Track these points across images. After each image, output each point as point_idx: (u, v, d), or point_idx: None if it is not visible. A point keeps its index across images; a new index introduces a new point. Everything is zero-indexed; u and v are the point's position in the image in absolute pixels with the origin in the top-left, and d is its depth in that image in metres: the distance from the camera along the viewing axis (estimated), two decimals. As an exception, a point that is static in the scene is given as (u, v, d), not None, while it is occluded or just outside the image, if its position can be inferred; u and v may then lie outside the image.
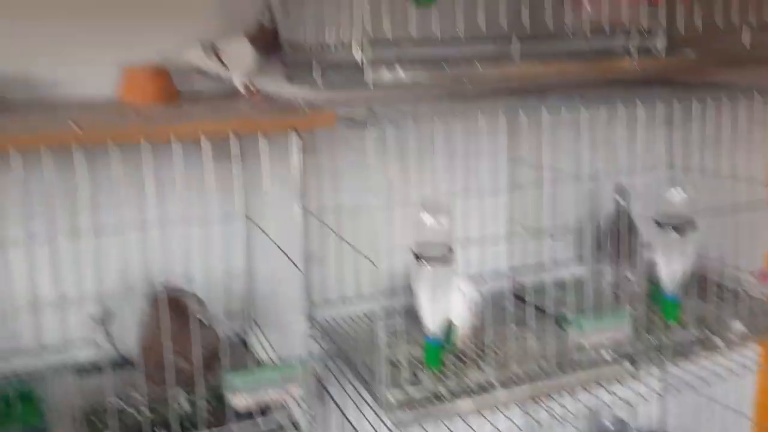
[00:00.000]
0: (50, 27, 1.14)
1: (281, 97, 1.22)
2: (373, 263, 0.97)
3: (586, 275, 1.33)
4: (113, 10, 1.17)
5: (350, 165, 1.32)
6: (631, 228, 1.40)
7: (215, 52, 1.16)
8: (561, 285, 1.34)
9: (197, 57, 1.17)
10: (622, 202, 1.43)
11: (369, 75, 0.97)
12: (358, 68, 1.06)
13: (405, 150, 1.17)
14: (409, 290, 1.14)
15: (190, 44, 1.18)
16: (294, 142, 0.95)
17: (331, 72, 1.19)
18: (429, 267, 1.02)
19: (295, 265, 1.00)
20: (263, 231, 1.15)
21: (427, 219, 1.00)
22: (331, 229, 1.21)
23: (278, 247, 1.07)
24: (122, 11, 1.18)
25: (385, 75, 0.99)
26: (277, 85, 1.25)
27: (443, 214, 0.99)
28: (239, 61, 1.15)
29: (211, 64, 1.17)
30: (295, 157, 0.96)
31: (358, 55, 0.97)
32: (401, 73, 0.98)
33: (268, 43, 1.15)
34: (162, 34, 1.19)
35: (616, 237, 1.37)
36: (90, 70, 1.17)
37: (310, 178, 1.10)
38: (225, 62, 1.16)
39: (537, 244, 1.30)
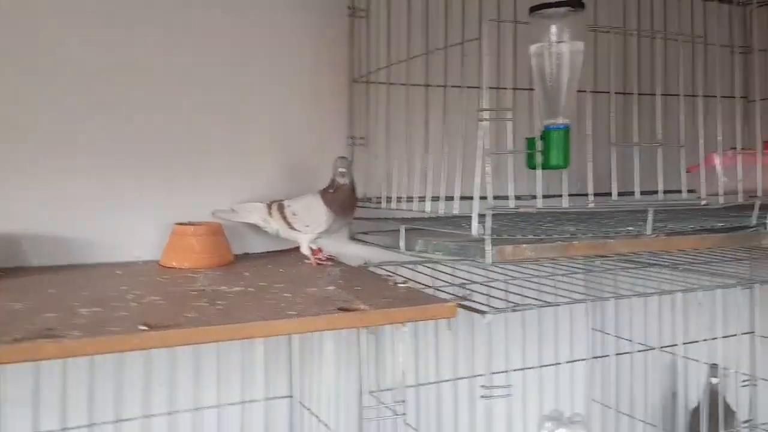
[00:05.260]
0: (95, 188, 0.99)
1: (348, 257, 1.07)
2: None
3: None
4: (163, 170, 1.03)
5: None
6: (727, 411, 1.24)
7: (280, 211, 1.00)
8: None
9: (257, 215, 1.02)
10: (714, 382, 1.27)
11: (489, 254, 0.80)
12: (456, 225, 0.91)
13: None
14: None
15: (245, 202, 1.05)
16: (403, 335, 0.76)
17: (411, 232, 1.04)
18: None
19: None
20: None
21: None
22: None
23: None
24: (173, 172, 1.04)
25: (508, 251, 0.82)
26: (345, 246, 1.11)
27: (579, 426, 0.80)
28: (310, 221, 0.99)
29: (273, 223, 1.01)
30: (401, 349, 0.78)
31: (475, 228, 0.81)
32: (528, 251, 0.82)
33: (343, 200, 0.99)
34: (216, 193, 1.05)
35: (709, 418, 1.20)
36: (133, 232, 1.00)
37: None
38: (291, 222, 0.99)
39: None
